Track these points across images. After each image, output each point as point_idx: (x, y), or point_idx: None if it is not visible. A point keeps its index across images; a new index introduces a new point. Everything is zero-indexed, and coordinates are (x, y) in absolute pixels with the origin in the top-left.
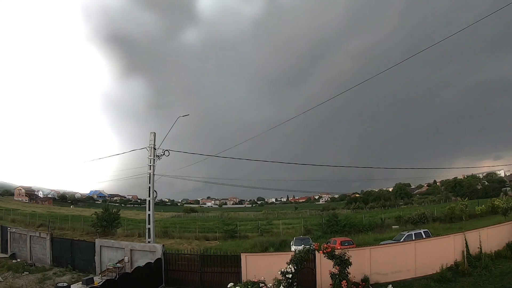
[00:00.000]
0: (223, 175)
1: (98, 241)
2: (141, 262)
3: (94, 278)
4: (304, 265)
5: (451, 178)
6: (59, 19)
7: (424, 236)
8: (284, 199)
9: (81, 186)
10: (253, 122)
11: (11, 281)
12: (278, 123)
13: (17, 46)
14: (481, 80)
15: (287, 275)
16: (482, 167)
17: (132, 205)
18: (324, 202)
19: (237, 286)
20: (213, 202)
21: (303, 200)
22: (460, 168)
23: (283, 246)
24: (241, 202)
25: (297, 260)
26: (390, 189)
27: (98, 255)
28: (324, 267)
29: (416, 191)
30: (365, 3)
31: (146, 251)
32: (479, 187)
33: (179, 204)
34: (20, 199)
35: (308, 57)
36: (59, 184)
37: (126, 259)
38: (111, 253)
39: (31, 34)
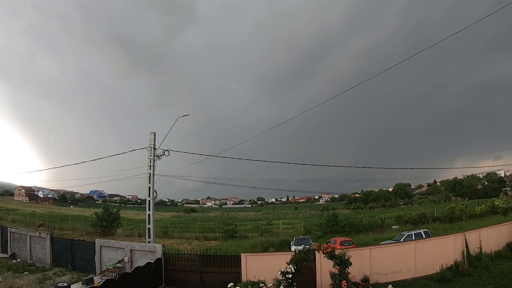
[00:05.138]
0: (223, 175)
1: (98, 241)
2: (141, 262)
3: (94, 278)
4: (304, 265)
5: (451, 178)
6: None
7: (424, 236)
8: (284, 199)
9: (81, 186)
10: (253, 122)
11: (11, 281)
12: (279, 123)
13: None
14: (481, 80)
15: (287, 275)
16: (482, 167)
17: (132, 205)
18: (324, 202)
19: (237, 286)
20: (213, 202)
21: (303, 200)
22: (460, 168)
23: (283, 246)
24: (241, 202)
25: (297, 260)
26: (390, 189)
27: (98, 255)
28: (324, 267)
29: (416, 191)
30: (366, 3)
31: (146, 251)
32: (479, 187)
33: (179, 204)
34: (20, 199)
35: (310, 57)
36: (59, 184)
37: (126, 259)
38: (111, 253)
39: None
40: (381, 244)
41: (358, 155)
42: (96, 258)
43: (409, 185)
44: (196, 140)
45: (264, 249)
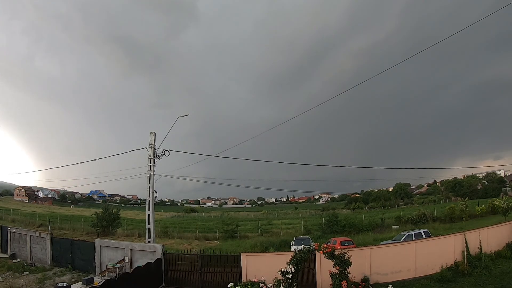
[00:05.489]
0: (223, 175)
1: (98, 241)
2: (141, 262)
3: (94, 278)
4: (304, 265)
5: (451, 178)
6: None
7: (424, 236)
8: (284, 199)
9: (81, 186)
10: (253, 122)
11: (11, 281)
12: (279, 123)
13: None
14: (481, 80)
15: (287, 275)
16: (482, 167)
17: (132, 205)
18: (324, 202)
19: (237, 286)
20: (213, 202)
21: (303, 200)
22: (460, 168)
23: (283, 246)
24: (241, 202)
25: (297, 260)
26: (390, 189)
27: (98, 255)
28: (324, 267)
29: (416, 191)
30: (366, 3)
31: (146, 251)
32: (479, 187)
33: (179, 204)
34: (20, 199)
35: (310, 57)
36: (59, 184)
37: (126, 259)
38: (111, 253)
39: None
40: (381, 244)
41: (358, 155)
42: (96, 258)
43: (409, 185)
44: (196, 140)
45: (264, 249)
